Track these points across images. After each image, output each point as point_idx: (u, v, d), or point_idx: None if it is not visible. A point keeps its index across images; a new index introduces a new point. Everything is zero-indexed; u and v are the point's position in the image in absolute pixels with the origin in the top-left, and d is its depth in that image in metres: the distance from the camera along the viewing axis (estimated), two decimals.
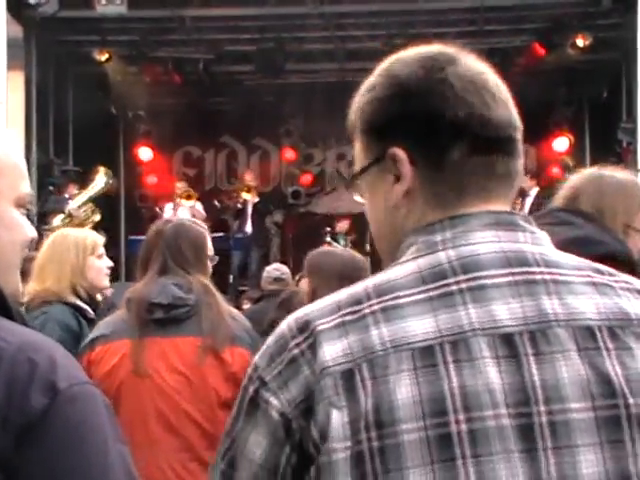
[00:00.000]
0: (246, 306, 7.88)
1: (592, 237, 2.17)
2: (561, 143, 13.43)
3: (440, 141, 1.13)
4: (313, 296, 2.96)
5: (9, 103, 10.16)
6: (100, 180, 11.40)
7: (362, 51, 12.91)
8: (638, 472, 1.01)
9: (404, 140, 1.15)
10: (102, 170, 11.48)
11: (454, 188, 1.14)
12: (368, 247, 11.38)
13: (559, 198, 2.43)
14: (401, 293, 1.07)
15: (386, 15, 11.84)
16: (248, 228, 13.02)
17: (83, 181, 11.72)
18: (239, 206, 13.09)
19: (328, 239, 12.33)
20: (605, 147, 12.33)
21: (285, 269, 6.88)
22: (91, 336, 3.04)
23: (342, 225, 12.81)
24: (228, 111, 14.49)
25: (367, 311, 1.07)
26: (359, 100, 1.21)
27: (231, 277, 12.65)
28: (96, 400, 1.18)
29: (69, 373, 1.17)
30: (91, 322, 3.68)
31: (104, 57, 12.53)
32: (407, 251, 1.14)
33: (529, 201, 11.36)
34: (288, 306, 4.45)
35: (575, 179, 2.44)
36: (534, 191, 11.44)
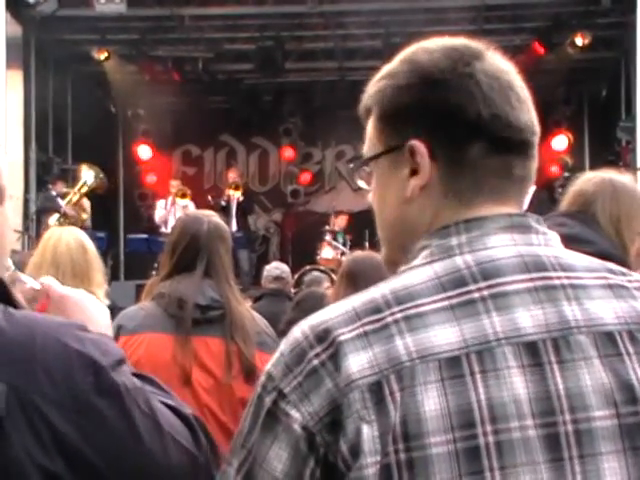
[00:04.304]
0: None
1: (581, 236, 2.21)
2: (560, 142, 13.42)
3: (461, 138, 1.11)
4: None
5: (8, 102, 10.16)
6: (88, 176, 11.27)
7: (362, 50, 12.93)
8: None
9: (425, 132, 1.12)
10: (85, 166, 11.30)
11: (471, 187, 1.12)
12: (367, 245, 11.39)
13: (568, 204, 2.43)
14: (422, 301, 1.04)
15: (386, 14, 11.82)
16: (232, 227, 12.87)
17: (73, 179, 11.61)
18: (222, 204, 12.81)
19: (327, 238, 12.33)
20: (604, 146, 12.34)
21: (285, 267, 6.92)
22: (113, 325, 3.04)
23: (341, 223, 12.79)
24: (227, 110, 14.48)
25: (389, 320, 1.03)
26: (379, 85, 1.17)
27: None
28: (125, 366, 1.22)
29: (97, 346, 1.19)
30: None
31: (103, 56, 12.53)
32: (419, 254, 1.11)
33: (527, 199, 11.36)
34: (305, 307, 4.44)
35: (583, 185, 2.43)
36: (532, 189, 11.43)
